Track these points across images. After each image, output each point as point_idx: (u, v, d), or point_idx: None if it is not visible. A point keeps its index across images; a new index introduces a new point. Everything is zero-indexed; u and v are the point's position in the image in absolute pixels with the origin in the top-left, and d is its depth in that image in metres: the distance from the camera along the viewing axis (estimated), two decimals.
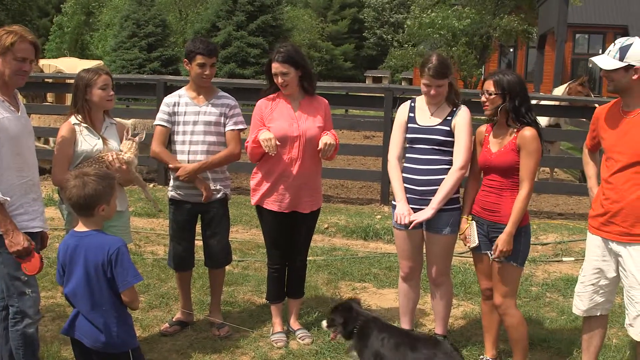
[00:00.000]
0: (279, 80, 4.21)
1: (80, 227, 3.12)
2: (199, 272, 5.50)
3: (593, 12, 33.73)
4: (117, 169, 3.92)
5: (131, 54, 32.10)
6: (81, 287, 3.05)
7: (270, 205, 4.34)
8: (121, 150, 4.08)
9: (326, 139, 4.22)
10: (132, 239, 5.21)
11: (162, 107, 4.52)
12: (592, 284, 3.72)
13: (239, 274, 5.88)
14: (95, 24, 44.19)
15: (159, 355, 4.26)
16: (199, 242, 4.71)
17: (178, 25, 39.87)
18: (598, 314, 3.79)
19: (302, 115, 4.29)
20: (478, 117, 4.63)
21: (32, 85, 10.60)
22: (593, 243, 3.70)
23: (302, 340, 4.49)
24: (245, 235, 7.29)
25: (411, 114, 4.20)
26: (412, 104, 4.24)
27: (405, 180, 4.11)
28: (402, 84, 37.74)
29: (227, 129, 4.49)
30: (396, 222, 4.07)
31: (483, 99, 3.83)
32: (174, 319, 4.71)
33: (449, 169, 4.05)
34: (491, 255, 3.88)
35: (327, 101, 4.47)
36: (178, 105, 4.48)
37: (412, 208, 4.05)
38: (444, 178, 4.02)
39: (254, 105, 4.46)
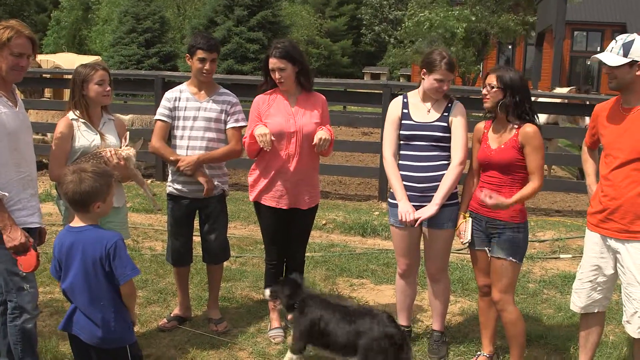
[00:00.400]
0: (276, 75, 4.20)
1: (76, 223, 3.12)
2: (197, 268, 5.51)
3: (591, 10, 33.74)
4: (115, 165, 3.91)
5: (129, 49, 32.04)
6: (79, 282, 3.05)
7: (268, 201, 4.33)
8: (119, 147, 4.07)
9: (321, 133, 4.21)
10: (130, 234, 5.22)
11: (163, 102, 4.52)
12: (590, 281, 3.73)
13: (237, 269, 5.89)
14: (93, 19, 44.08)
15: (157, 350, 4.26)
16: (197, 238, 4.71)
17: (176, 21, 39.80)
18: (595, 311, 3.80)
19: (299, 111, 4.28)
20: (476, 113, 4.63)
21: (30, 80, 10.60)
22: (591, 240, 3.71)
23: None
24: (243, 231, 7.29)
25: (405, 110, 4.18)
26: (405, 100, 4.22)
27: (404, 178, 4.10)
28: (401, 80, 37.74)
29: (228, 126, 4.49)
30: (400, 220, 4.03)
31: (484, 91, 3.84)
32: (172, 315, 4.71)
33: (448, 164, 4.05)
34: (489, 252, 3.88)
35: (324, 97, 4.46)
36: (179, 100, 4.47)
37: (413, 206, 4.03)
38: (443, 174, 4.02)
39: (252, 101, 4.46)
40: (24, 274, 3.45)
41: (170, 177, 4.57)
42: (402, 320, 4.45)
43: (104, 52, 35.09)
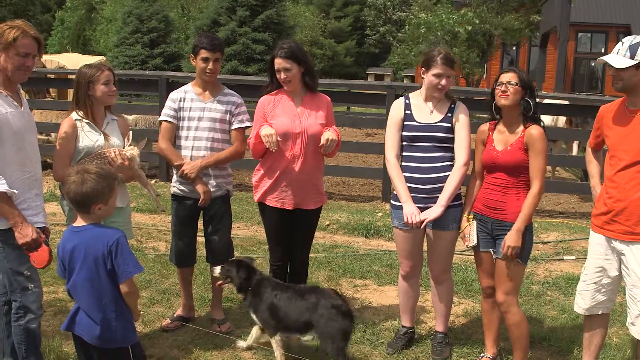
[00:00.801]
0: (282, 76, 4.20)
1: (79, 222, 3.12)
2: (201, 269, 5.51)
3: (596, 11, 33.67)
4: (120, 165, 3.92)
5: (134, 50, 32.10)
6: (81, 281, 3.04)
7: (273, 202, 4.33)
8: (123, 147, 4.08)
9: (328, 134, 4.21)
10: (134, 234, 5.23)
11: (168, 103, 4.53)
12: (595, 283, 3.72)
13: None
14: (97, 19, 44.19)
15: (160, 350, 4.26)
16: (200, 239, 4.71)
17: (180, 22, 39.86)
18: (600, 313, 3.79)
19: (304, 112, 4.28)
20: (480, 115, 4.63)
21: (35, 80, 10.62)
22: (596, 241, 3.70)
23: (303, 336, 4.49)
24: (247, 231, 7.30)
25: (407, 112, 4.17)
26: (407, 101, 4.21)
27: (409, 180, 4.09)
28: (405, 81, 37.71)
29: (233, 127, 4.49)
30: (405, 222, 4.02)
31: (503, 88, 3.76)
32: (175, 315, 4.72)
33: (452, 165, 4.05)
34: (494, 253, 3.89)
35: (329, 98, 4.46)
36: (183, 101, 4.48)
37: (418, 207, 4.03)
38: (447, 175, 4.02)
39: (257, 102, 4.46)
40: (29, 273, 3.46)
41: (174, 178, 4.57)
42: (405, 322, 4.45)
43: (108, 52, 35.18)
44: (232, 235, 4.75)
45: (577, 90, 32.23)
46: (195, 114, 4.44)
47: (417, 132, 4.11)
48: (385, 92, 9.00)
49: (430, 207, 4.00)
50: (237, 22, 31.08)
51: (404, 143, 4.18)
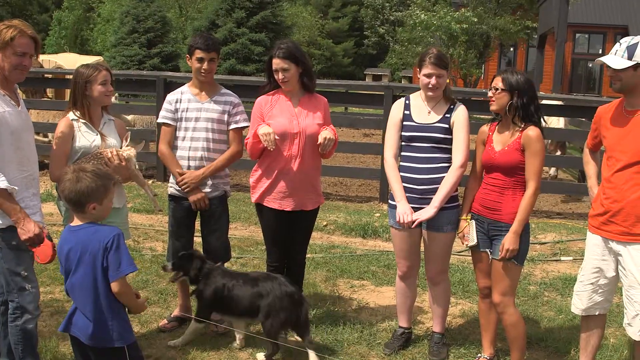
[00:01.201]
0: (280, 76, 4.20)
1: (76, 222, 3.10)
2: None
3: (593, 12, 33.74)
4: (117, 166, 3.91)
5: (131, 50, 32.06)
6: (78, 280, 3.02)
7: (271, 203, 4.33)
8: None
9: (325, 133, 4.22)
10: (131, 235, 5.23)
11: (165, 105, 4.52)
12: (592, 283, 3.73)
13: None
14: (93, 18, 44.15)
15: (157, 351, 4.26)
16: (198, 239, 4.71)
17: (178, 22, 39.83)
18: (597, 314, 3.79)
19: (302, 112, 4.28)
20: (477, 115, 4.63)
21: (32, 80, 10.59)
22: (593, 242, 3.71)
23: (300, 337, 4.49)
24: (244, 232, 7.29)
25: (407, 112, 4.18)
26: (407, 102, 4.22)
27: (404, 179, 4.10)
28: (402, 82, 37.74)
29: (230, 127, 4.49)
30: (397, 221, 4.05)
31: (490, 94, 3.84)
32: (172, 315, 4.71)
33: (449, 166, 4.04)
34: (491, 254, 3.89)
35: (326, 99, 4.46)
36: (180, 102, 4.47)
37: (412, 207, 4.04)
38: (444, 176, 4.02)
39: (254, 102, 4.45)
40: (26, 273, 3.45)
41: (171, 178, 4.57)
42: (402, 322, 4.45)
43: (105, 52, 35.14)
44: (229, 236, 4.74)
45: (574, 91, 32.30)
46: (192, 115, 4.43)
47: (414, 132, 4.11)
48: (383, 93, 8.99)
49: (424, 207, 4.00)
50: (234, 23, 31.07)
51: (403, 143, 4.18)
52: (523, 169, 3.79)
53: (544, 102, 10.35)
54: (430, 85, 4.03)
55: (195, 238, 4.70)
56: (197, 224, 4.64)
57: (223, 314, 4.28)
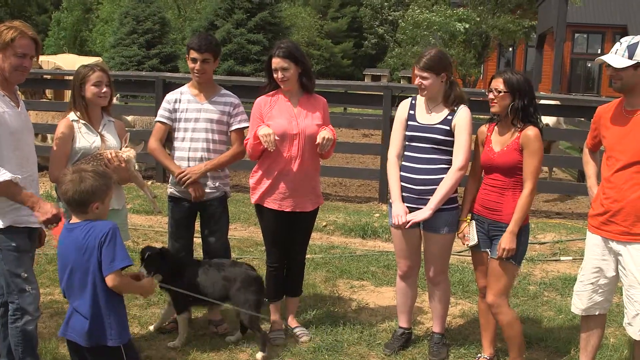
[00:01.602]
0: (279, 75, 4.20)
1: (74, 220, 3.05)
2: None
3: (592, 12, 33.76)
4: (116, 167, 3.90)
5: (130, 50, 32.02)
6: (76, 279, 2.99)
7: (271, 204, 4.33)
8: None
9: (324, 133, 4.22)
10: (130, 236, 5.22)
11: (163, 104, 4.52)
12: (592, 283, 3.73)
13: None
14: (93, 19, 44.13)
15: (157, 352, 4.25)
16: (197, 240, 4.70)
17: (177, 22, 39.80)
18: (597, 313, 3.79)
19: (301, 113, 4.28)
20: (476, 115, 4.63)
21: (31, 81, 10.59)
22: (592, 242, 3.71)
23: (300, 338, 4.49)
24: (244, 232, 7.29)
25: (411, 112, 4.19)
26: (413, 102, 4.23)
27: (403, 179, 4.10)
28: (401, 82, 37.75)
29: (232, 128, 4.49)
30: (391, 222, 4.06)
31: (491, 96, 3.82)
32: (172, 317, 4.70)
33: (448, 168, 4.04)
34: (490, 252, 3.89)
35: (325, 100, 4.46)
36: (179, 102, 4.47)
37: (409, 207, 4.04)
38: (442, 178, 4.01)
39: (253, 103, 4.45)
40: (26, 275, 3.44)
41: (171, 179, 4.56)
42: (402, 322, 4.45)
43: (104, 53, 35.09)
44: (228, 236, 4.74)
45: (573, 91, 32.33)
46: (192, 115, 4.43)
47: (415, 132, 4.11)
48: (382, 93, 8.99)
49: (421, 208, 4.00)
50: (232, 24, 31.03)
51: (406, 143, 4.19)
52: (522, 169, 3.79)
53: (542, 102, 10.37)
54: (419, 87, 4.07)
55: (195, 239, 4.70)
56: (197, 225, 4.64)
57: (195, 300, 4.24)
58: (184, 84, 4.63)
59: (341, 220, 7.67)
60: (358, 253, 6.64)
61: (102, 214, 3.08)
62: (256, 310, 4.22)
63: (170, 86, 8.95)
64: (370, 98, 10.52)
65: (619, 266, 3.58)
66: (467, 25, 25.03)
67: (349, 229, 7.44)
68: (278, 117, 4.25)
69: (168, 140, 4.60)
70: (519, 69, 33.44)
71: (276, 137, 4.13)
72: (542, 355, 4.39)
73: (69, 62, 16.22)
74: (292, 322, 4.63)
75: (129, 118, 10.36)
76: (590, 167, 3.98)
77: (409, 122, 4.16)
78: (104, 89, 3.99)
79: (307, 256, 4.73)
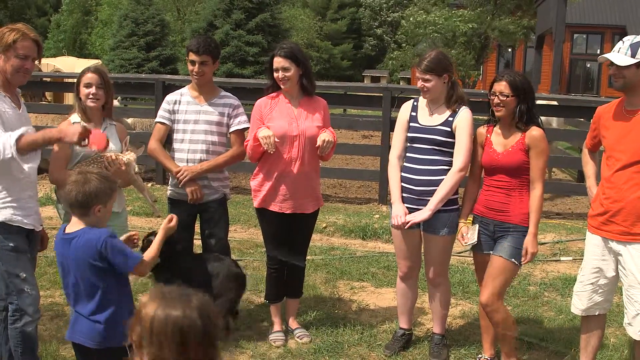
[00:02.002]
0: (280, 75, 4.19)
1: (71, 227, 3.02)
2: None
3: (591, 12, 33.78)
4: (116, 170, 3.90)
5: (130, 53, 32.01)
6: (81, 289, 2.99)
7: (272, 206, 4.33)
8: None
9: (324, 135, 4.22)
10: None
11: (163, 105, 4.52)
12: (592, 283, 3.73)
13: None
14: (92, 22, 44.15)
15: None
16: (197, 242, 4.70)
17: (176, 25, 39.81)
18: (597, 314, 3.80)
19: (301, 115, 4.29)
20: (476, 116, 4.63)
21: (31, 84, 10.56)
22: (592, 242, 3.71)
23: (301, 339, 4.50)
24: (244, 234, 7.29)
25: (413, 113, 4.19)
26: (415, 103, 4.24)
27: (403, 179, 4.11)
28: (401, 83, 37.75)
29: (231, 129, 4.49)
30: (391, 222, 4.07)
31: (496, 100, 3.80)
32: None
33: (449, 169, 4.04)
34: (493, 251, 3.88)
35: (325, 102, 4.47)
36: (179, 104, 4.47)
37: (409, 208, 4.05)
38: (442, 179, 4.01)
39: (253, 105, 4.45)
40: (24, 275, 3.43)
41: (170, 181, 4.56)
42: (403, 323, 4.45)
43: (104, 55, 35.12)
44: (229, 238, 4.74)
45: (572, 92, 32.34)
46: (191, 117, 4.43)
47: (416, 134, 4.12)
48: (382, 94, 9.00)
49: (421, 209, 4.01)
50: (231, 25, 31.02)
51: (407, 144, 4.19)
52: (527, 169, 3.80)
53: (541, 102, 10.37)
54: (422, 90, 4.07)
55: (195, 241, 4.70)
56: (197, 227, 4.64)
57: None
58: (183, 86, 4.64)
59: (341, 222, 7.68)
60: (358, 254, 6.64)
61: (103, 218, 3.05)
62: (232, 305, 4.27)
63: (169, 88, 8.94)
64: (370, 99, 10.53)
65: (619, 266, 3.58)
66: (470, 26, 25.03)
67: (349, 230, 7.44)
68: (278, 118, 4.25)
69: (167, 142, 4.60)
70: (518, 69, 33.45)
71: (276, 139, 4.14)
72: (543, 355, 4.39)
73: (68, 64, 16.25)
74: (292, 323, 4.63)
75: (129, 120, 10.36)
76: (589, 168, 3.99)
77: (411, 124, 4.17)
78: (94, 91, 3.90)
79: (308, 257, 4.73)
